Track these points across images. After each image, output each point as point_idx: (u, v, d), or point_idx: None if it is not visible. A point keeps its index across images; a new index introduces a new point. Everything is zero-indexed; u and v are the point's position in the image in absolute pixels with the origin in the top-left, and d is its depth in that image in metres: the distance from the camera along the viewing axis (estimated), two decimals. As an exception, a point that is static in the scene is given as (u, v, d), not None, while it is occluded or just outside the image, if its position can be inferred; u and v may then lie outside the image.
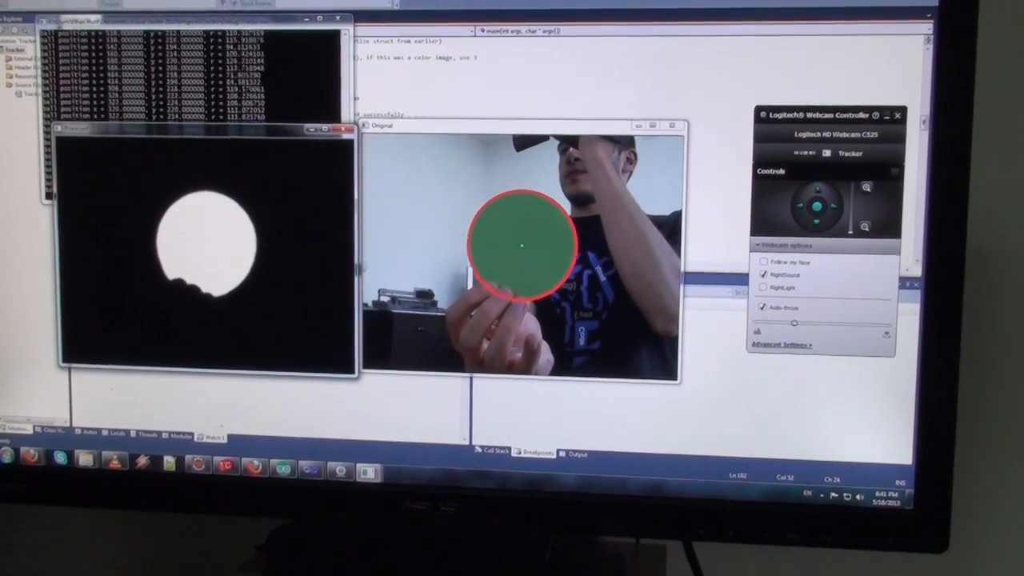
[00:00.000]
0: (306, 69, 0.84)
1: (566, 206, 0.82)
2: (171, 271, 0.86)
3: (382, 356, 0.85)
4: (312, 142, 0.84)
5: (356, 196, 0.84)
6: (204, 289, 0.86)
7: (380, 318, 0.84)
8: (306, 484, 0.87)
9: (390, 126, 0.83)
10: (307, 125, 0.84)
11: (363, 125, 0.83)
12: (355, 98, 0.83)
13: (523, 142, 0.82)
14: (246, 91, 0.84)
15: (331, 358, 0.85)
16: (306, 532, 0.85)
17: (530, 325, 0.83)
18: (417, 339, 0.84)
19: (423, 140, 0.83)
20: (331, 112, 0.84)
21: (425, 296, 0.83)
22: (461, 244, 0.83)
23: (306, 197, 0.84)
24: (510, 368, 0.83)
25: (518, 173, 0.82)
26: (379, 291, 0.84)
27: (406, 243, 0.84)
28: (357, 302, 0.84)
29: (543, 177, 0.82)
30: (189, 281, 0.86)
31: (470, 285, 0.83)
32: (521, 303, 0.83)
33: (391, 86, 0.83)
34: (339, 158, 0.84)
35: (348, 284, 0.84)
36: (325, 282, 0.85)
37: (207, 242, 0.85)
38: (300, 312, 0.85)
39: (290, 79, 0.84)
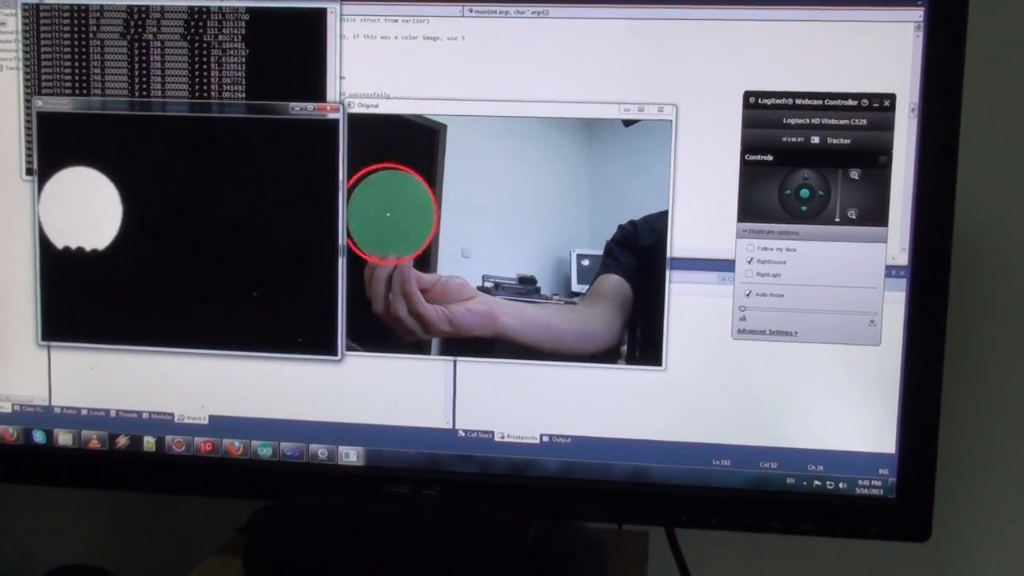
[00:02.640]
0: (292, 47, 0.83)
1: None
2: (151, 249, 0.85)
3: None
4: (296, 121, 0.83)
5: (340, 176, 0.83)
6: (184, 267, 0.85)
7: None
8: (287, 466, 0.87)
9: (376, 106, 0.82)
10: (292, 104, 0.83)
11: (348, 104, 0.82)
12: (341, 77, 0.82)
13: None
14: (230, 68, 0.83)
15: (314, 339, 0.85)
16: (287, 514, 0.85)
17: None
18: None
19: (518, 123, 0.81)
20: (316, 91, 0.83)
21: (528, 282, 0.82)
22: (566, 229, 0.82)
23: (290, 177, 0.84)
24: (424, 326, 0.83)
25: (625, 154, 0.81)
26: (483, 277, 0.83)
27: (508, 228, 0.82)
28: (340, 283, 0.84)
29: (647, 156, 0.81)
30: (170, 260, 0.85)
31: (574, 273, 0.82)
32: (402, 263, 0.82)
33: (378, 66, 0.82)
34: (324, 137, 0.83)
35: (332, 265, 0.84)
36: (309, 263, 0.84)
37: (188, 220, 0.85)
38: (283, 293, 0.84)
39: (275, 57, 0.83)
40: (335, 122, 0.83)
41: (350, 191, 0.83)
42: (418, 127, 0.82)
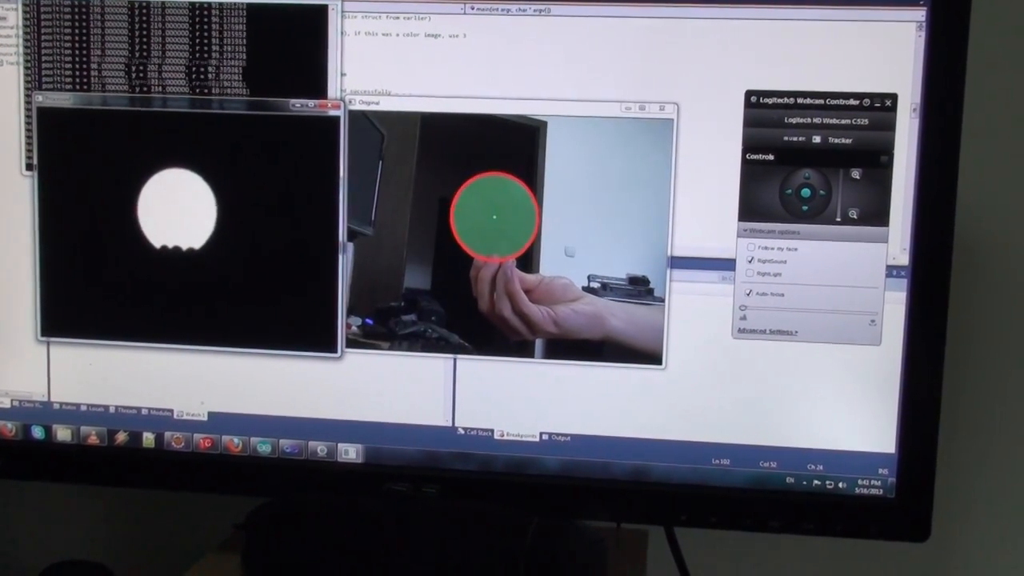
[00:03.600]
0: (293, 44, 0.82)
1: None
2: (152, 245, 0.85)
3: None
4: (297, 118, 0.83)
5: (341, 173, 0.83)
6: (185, 265, 0.85)
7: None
8: (286, 463, 0.87)
9: (377, 103, 0.82)
10: (292, 101, 0.83)
11: (349, 102, 0.82)
12: (342, 74, 0.82)
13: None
14: (231, 65, 0.83)
15: (314, 337, 0.85)
16: (286, 511, 0.85)
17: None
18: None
19: (609, 124, 0.81)
20: (317, 88, 0.82)
21: (640, 283, 0.81)
22: (665, 228, 0.81)
23: (291, 173, 0.84)
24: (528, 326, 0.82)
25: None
26: (588, 277, 0.82)
27: (615, 227, 0.81)
28: (341, 280, 0.84)
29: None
30: (169, 256, 0.85)
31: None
32: (506, 262, 0.82)
33: (379, 63, 0.82)
34: (324, 134, 0.83)
35: (333, 262, 0.83)
36: (309, 259, 0.84)
37: (188, 216, 0.84)
38: (283, 289, 0.84)
39: (276, 54, 0.83)
40: (336, 119, 0.82)
41: (452, 195, 0.82)
42: (516, 126, 0.81)
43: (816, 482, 0.83)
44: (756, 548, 1.07)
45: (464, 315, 0.83)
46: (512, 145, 0.82)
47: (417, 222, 0.83)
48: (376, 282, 0.83)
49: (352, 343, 0.84)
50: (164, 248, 0.85)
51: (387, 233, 0.83)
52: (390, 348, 0.84)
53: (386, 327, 0.84)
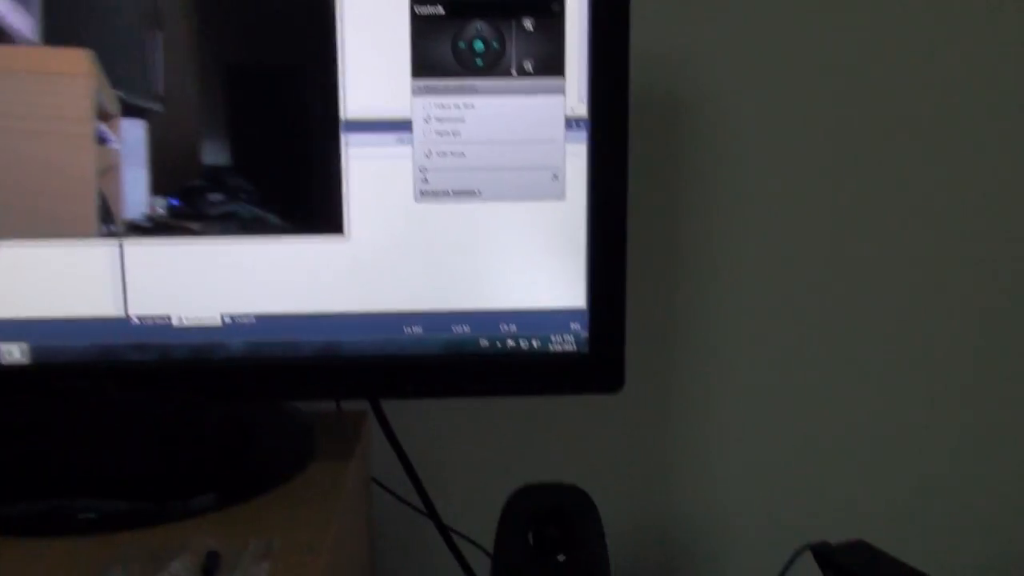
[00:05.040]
0: None
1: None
2: None
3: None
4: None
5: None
6: None
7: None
8: (-54, 370, 0.79)
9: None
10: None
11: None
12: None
13: None
14: None
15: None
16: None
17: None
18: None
19: None
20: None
21: None
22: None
23: None
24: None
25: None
26: None
27: None
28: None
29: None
30: None
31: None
32: None
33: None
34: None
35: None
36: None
37: None
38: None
39: None
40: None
41: None
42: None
43: (510, 342, 0.82)
44: (473, 412, 1.06)
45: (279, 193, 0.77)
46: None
47: (209, 93, 0.75)
48: (176, 160, 0.76)
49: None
50: None
51: (177, 107, 0.75)
52: (202, 231, 0.77)
53: (194, 208, 0.77)
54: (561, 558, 0.84)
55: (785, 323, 1.04)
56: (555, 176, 0.79)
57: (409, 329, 0.81)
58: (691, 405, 1.05)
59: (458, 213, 0.79)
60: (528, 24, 0.77)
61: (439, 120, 0.78)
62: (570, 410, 1.03)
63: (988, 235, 1.03)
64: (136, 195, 0.77)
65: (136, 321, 0.79)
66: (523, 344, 0.82)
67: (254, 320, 0.80)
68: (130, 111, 0.76)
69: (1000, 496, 1.07)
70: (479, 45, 0.77)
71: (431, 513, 0.96)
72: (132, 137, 0.76)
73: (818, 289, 1.03)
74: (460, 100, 0.77)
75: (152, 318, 0.79)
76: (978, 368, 1.05)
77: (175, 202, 0.78)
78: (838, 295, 1.03)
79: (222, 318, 0.80)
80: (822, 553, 0.94)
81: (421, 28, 0.76)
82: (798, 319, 1.04)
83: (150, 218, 0.77)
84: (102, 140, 0.76)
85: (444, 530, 0.96)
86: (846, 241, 1.03)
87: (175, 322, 0.79)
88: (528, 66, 0.77)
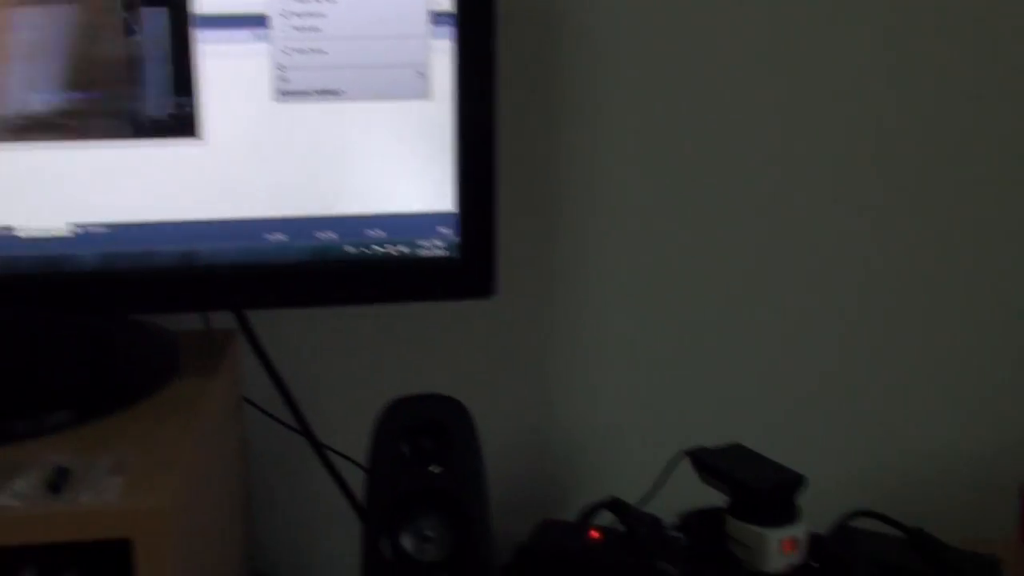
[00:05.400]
0: None
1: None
2: None
3: None
4: None
5: None
6: None
7: None
8: None
9: None
10: None
11: None
12: None
13: None
14: None
15: None
16: None
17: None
18: None
19: None
20: None
21: None
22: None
23: None
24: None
25: None
26: None
27: None
28: None
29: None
30: None
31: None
32: None
33: None
34: None
35: None
36: None
37: None
38: None
39: None
40: None
41: None
42: None
43: (378, 248, 0.79)
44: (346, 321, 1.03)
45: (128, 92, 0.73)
46: None
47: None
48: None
49: None
50: None
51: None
52: (46, 135, 0.72)
53: (35, 111, 0.72)
54: (436, 469, 0.83)
55: (667, 229, 1.03)
56: (420, 74, 0.76)
57: (271, 236, 0.78)
58: (570, 314, 1.04)
59: (320, 114, 0.76)
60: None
61: (298, 15, 0.74)
62: (447, 320, 1.01)
63: (849, 146, 1.04)
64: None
65: (-24, 233, 0.75)
66: (391, 250, 0.80)
67: (106, 230, 0.76)
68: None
69: (873, 408, 1.09)
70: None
71: (305, 430, 0.94)
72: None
73: (700, 193, 1.02)
74: (319, -7, 0.74)
75: (-7, 229, 0.75)
76: (850, 282, 1.06)
77: (15, 105, 0.73)
78: (722, 198, 1.02)
79: (72, 228, 0.75)
80: (699, 458, 0.94)
81: (274, -84, 0.72)
82: (681, 225, 1.03)
83: (-12, 122, 0.72)
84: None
85: (319, 447, 0.94)
86: (728, 140, 1.01)
87: (20, 233, 0.75)
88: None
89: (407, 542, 0.83)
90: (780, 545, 0.87)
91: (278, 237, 0.78)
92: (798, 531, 0.88)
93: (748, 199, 1.04)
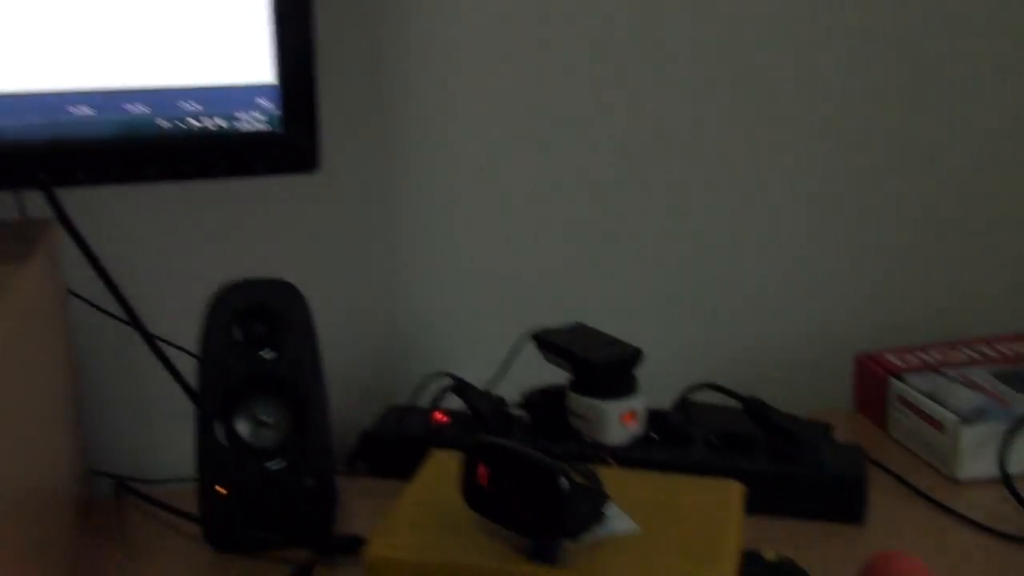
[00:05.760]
0: None
1: None
2: None
3: None
4: None
5: None
6: None
7: None
8: None
9: None
10: None
11: None
12: None
13: None
14: None
15: None
16: None
17: None
18: None
19: None
20: None
21: None
22: None
23: None
24: None
25: None
26: None
27: None
28: None
29: None
30: None
31: None
32: None
33: None
34: None
35: None
36: None
37: None
38: None
39: None
40: None
41: None
42: None
43: (193, 122, 0.75)
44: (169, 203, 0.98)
45: None
46: None
47: None
48: None
49: None
50: None
51: None
52: None
53: None
54: (268, 354, 0.81)
55: (505, 88, 0.99)
56: (231, -65, 0.72)
57: (75, 109, 0.73)
58: (409, 188, 1.00)
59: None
60: None
61: None
62: (279, 201, 0.96)
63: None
64: None
65: None
66: (208, 123, 0.76)
67: None
68: None
69: (713, 284, 1.09)
70: None
71: (133, 321, 0.90)
72: None
73: (542, 56, 0.99)
74: None
75: None
76: (684, 155, 1.06)
77: None
78: (572, 59, 1.00)
79: None
80: (541, 337, 0.94)
81: None
82: (519, 85, 0.99)
83: None
84: None
85: (149, 337, 0.91)
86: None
87: None
88: None
89: (242, 428, 0.81)
90: (619, 417, 0.88)
91: (84, 111, 0.73)
92: (637, 403, 0.89)
93: (607, 55, 1.02)
